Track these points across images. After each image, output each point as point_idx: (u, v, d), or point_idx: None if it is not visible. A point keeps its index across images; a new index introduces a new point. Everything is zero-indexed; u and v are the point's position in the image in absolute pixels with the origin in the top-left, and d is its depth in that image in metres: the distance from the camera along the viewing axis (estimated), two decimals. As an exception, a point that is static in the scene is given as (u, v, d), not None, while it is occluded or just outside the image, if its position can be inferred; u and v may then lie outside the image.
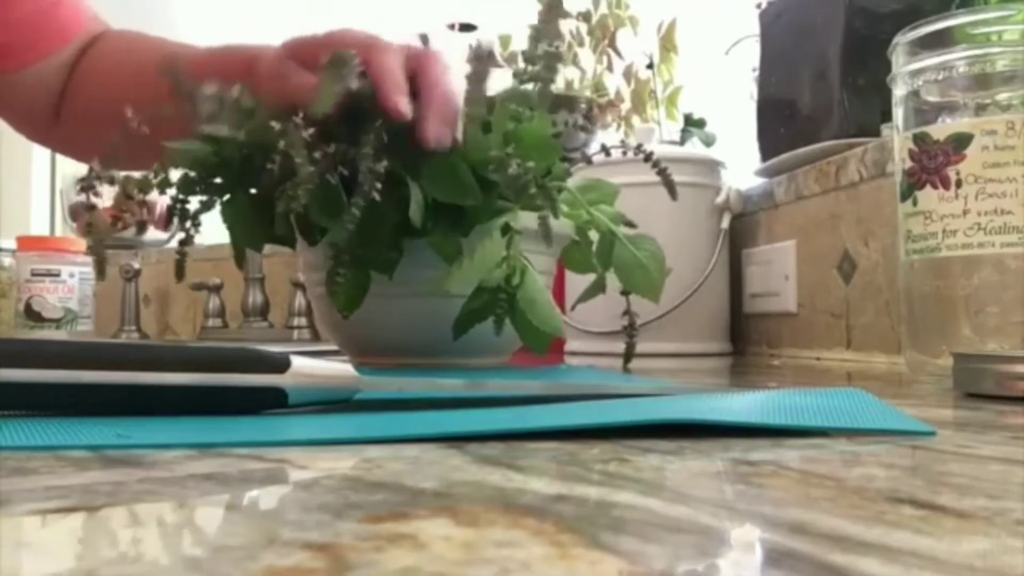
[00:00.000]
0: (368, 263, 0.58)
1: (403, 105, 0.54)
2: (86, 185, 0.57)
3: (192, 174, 0.59)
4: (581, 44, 1.22)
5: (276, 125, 0.54)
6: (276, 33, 0.65)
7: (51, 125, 0.77)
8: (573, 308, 0.74)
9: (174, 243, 0.64)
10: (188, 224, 0.61)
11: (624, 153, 0.67)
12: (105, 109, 0.69)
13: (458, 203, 0.56)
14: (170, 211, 0.60)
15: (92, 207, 0.58)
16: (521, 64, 0.57)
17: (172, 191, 0.59)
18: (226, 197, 0.60)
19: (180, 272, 0.64)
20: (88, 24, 0.78)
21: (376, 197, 0.53)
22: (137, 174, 0.59)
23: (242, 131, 0.56)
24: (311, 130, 0.53)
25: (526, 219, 0.57)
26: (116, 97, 0.62)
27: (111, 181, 0.57)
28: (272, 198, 0.56)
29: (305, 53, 0.58)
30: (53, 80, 0.75)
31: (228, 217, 0.61)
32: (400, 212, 0.56)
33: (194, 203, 0.61)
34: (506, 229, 0.55)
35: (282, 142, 0.53)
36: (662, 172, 0.63)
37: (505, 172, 0.53)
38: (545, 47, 0.56)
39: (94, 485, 0.19)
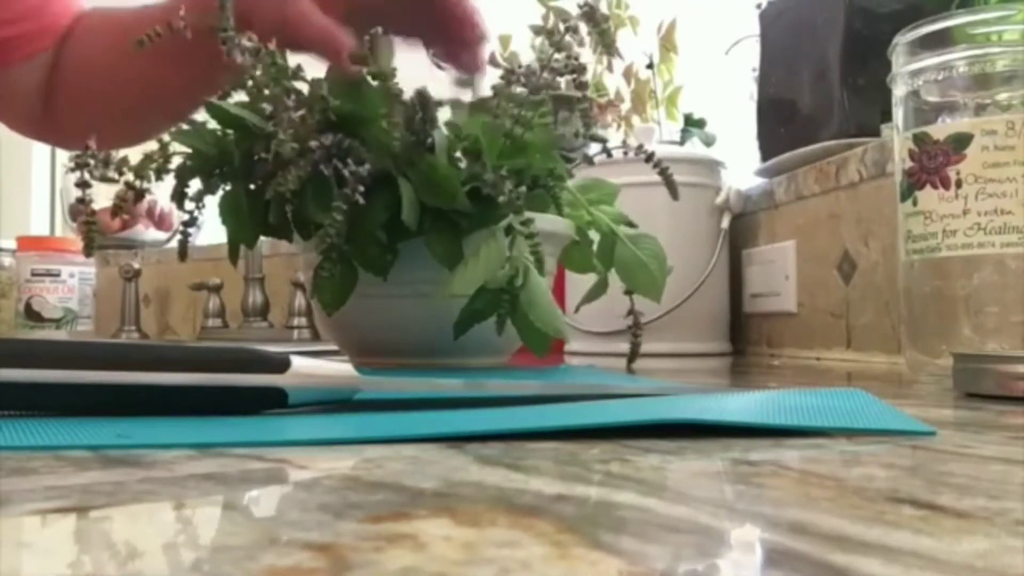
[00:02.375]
0: (357, 261, 0.58)
1: (341, 47, 0.53)
2: (80, 163, 0.56)
3: (190, 163, 0.59)
4: (582, 44, 1.22)
5: (267, 107, 0.54)
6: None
7: (43, 118, 0.75)
8: (577, 310, 0.74)
9: (174, 243, 0.63)
10: (192, 206, 0.61)
11: (625, 154, 0.67)
12: (93, 89, 0.68)
13: (443, 207, 0.56)
14: (175, 195, 0.59)
15: (86, 184, 0.57)
16: (535, 68, 0.57)
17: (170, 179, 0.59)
18: (225, 188, 0.60)
19: (183, 252, 0.64)
20: (77, 11, 0.76)
21: (359, 200, 0.53)
22: (132, 152, 0.58)
23: (263, 95, 0.55)
24: (301, 111, 0.53)
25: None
26: (102, 75, 0.60)
27: (106, 162, 0.57)
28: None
29: None
30: (40, 71, 0.73)
31: (224, 210, 0.61)
32: (390, 211, 0.56)
33: (196, 186, 0.60)
34: (509, 230, 0.55)
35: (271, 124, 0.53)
36: (663, 172, 0.63)
37: (500, 192, 0.53)
38: (564, 59, 0.56)
39: (94, 485, 0.19)
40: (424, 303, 0.59)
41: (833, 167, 0.88)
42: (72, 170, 0.57)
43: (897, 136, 0.56)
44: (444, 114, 0.59)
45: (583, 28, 0.56)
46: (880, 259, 0.81)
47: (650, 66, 1.21)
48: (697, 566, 0.14)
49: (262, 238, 0.64)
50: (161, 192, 0.60)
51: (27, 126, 0.78)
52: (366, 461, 0.22)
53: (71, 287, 1.43)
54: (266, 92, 0.55)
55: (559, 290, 1.00)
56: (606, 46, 0.56)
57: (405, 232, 0.56)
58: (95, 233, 0.60)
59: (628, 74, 1.23)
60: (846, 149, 0.87)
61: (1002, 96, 0.51)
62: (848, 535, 0.15)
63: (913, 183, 0.54)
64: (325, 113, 0.55)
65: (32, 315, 1.41)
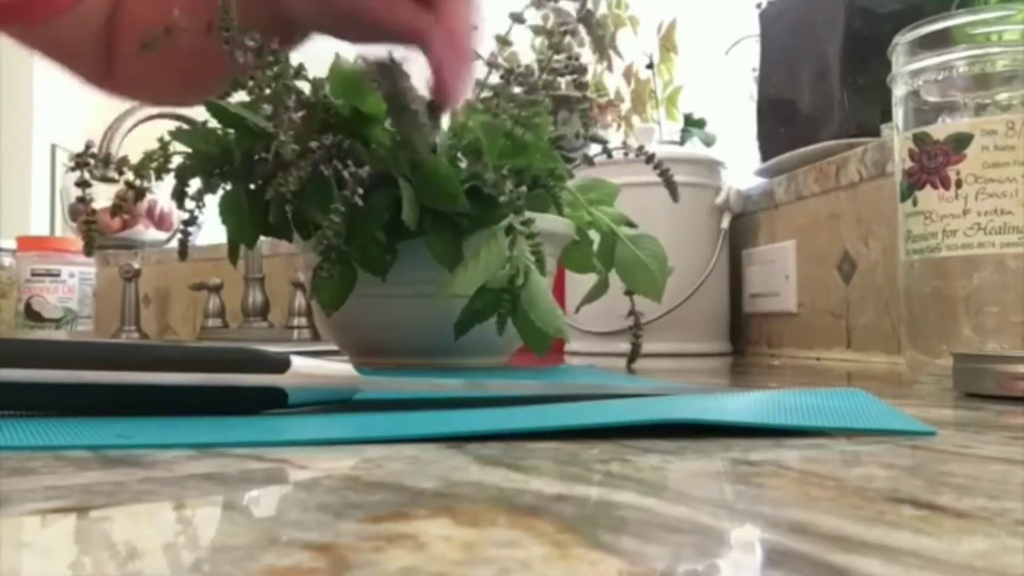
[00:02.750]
0: (356, 261, 0.58)
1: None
2: (80, 162, 0.56)
3: (190, 162, 0.59)
4: (581, 44, 1.22)
5: (267, 107, 0.54)
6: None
7: (107, 70, 0.72)
8: (577, 311, 0.73)
9: (174, 243, 0.63)
10: (192, 205, 0.61)
11: (625, 154, 0.67)
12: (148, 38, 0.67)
13: (444, 209, 0.56)
14: (175, 194, 0.59)
15: (86, 184, 0.57)
16: (534, 69, 0.57)
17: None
18: (225, 187, 0.60)
19: (183, 252, 0.64)
20: None
21: (358, 201, 0.53)
22: (132, 152, 0.57)
23: (261, 96, 0.55)
24: (302, 112, 0.53)
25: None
26: (156, 20, 0.59)
27: (106, 161, 0.57)
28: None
29: None
30: (98, 17, 0.70)
31: (224, 209, 0.61)
32: (389, 212, 0.55)
33: (196, 185, 0.60)
34: (510, 230, 0.55)
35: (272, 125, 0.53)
36: (664, 173, 0.63)
37: (501, 192, 0.53)
38: (566, 60, 0.56)
39: (94, 485, 0.19)
40: (424, 303, 0.59)
41: (833, 167, 0.88)
42: (72, 169, 0.57)
43: (897, 136, 0.56)
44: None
45: (582, 29, 0.57)
46: (880, 259, 0.81)
47: (650, 66, 1.21)
48: (697, 566, 0.14)
49: (262, 238, 0.64)
50: (161, 192, 0.61)
51: (96, 78, 0.76)
52: (366, 461, 0.22)
53: (71, 287, 1.43)
54: (267, 92, 0.55)
55: (559, 290, 1.00)
56: (600, 50, 0.56)
57: (405, 232, 0.56)
58: (95, 233, 0.60)
59: (628, 74, 1.23)
60: (846, 149, 0.87)
61: (1002, 96, 0.51)
62: (848, 535, 0.15)
63: (913, 183, 0.54)
64: (326, 113, 0.55)
65: (32, 315, 1.41)
